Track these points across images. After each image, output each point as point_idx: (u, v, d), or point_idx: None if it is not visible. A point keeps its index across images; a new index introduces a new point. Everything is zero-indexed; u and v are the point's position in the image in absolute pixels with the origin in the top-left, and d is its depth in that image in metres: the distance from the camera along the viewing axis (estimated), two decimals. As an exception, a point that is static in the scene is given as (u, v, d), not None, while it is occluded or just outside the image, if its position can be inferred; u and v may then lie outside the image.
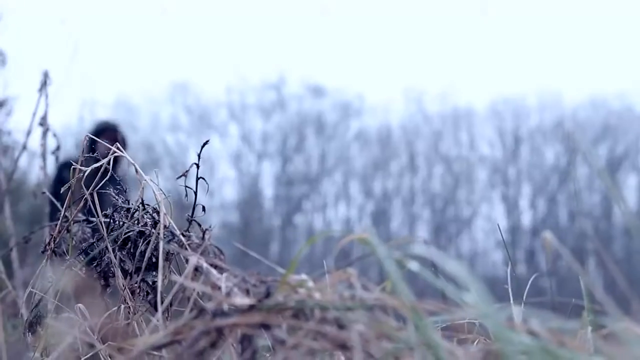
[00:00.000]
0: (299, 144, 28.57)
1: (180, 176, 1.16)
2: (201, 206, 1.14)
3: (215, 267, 0.96)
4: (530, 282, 1.37)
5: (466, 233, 27.75)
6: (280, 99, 28.54)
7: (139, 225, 1.18)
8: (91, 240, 1.30)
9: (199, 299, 0.96)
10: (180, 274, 1.10)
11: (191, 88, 28.27)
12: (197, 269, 0.96)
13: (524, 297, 1.23)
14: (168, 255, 1.08)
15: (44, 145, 2.39)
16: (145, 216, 1.20)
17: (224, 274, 0.91)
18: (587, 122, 27.78)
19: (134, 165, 1.17)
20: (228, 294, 0.86)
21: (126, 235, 1.16)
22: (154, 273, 1.12)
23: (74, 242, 1.33)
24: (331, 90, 29.05)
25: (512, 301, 1.15)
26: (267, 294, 0.82)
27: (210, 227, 1.04)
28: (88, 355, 1.12)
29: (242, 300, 0.82)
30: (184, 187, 1.23)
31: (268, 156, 28.48)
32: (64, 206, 1.34)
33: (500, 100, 28.35)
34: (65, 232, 1.35)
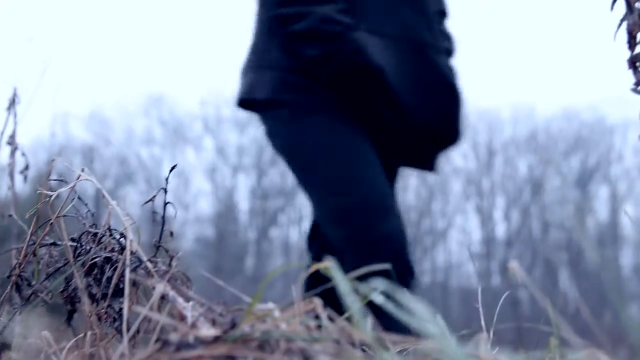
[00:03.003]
0: (274, 157, 28.52)
1: (148, 202, 1.15)
2: (169, 231, 1.13)
3: (182, 295, 0.95)
4: (503, 297, 1.38)
5: (441, 245, 27.88)
6: (256, 112, 28.50)
7: (106, 250, 1.16)
8: (57, 265, 1.29)
9: (165, 328, 0.95)
10: (147, 300, 1.09)
11: (166, 101, 28.15)
12: (163, 297, 0.95)
13: (497, 309, 1.23)
14: (135, 282, 1.07)
15: (12, 165, 2.36)
16: (112, 241, 1.19)
17: (190, 303, 0.90)
18: (559, 134, 28.12)
19: (101, 190, 1.15)
20: (193, 324, 0.85)
21: (93, 261, 1.15)
22: (121, 299, 1.11)
23: (39, 267, 1.31)
24: (306, 103, 29.09)
25: (483, 324, 1.15)
26: (233, 325, 0.81)
27: (178, 253, 1.04)
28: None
29: (207, 331, 0.81)
30: (157, 206, 1.22)
31: (243, 169, 28.43)
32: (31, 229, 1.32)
33: (474, 113, 28.59)
34: (32, 256, 1.33)
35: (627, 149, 27.28)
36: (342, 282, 0.60)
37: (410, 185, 28.73)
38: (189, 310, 0.89)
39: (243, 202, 28.34)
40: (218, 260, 25.28)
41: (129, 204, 1.33)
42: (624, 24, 1.14)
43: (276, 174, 28.47)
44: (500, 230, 28.24)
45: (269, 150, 28.60)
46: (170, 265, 1.03)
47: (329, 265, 0.68)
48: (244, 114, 30.45)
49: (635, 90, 1.12)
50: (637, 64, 1.13)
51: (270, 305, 0.87)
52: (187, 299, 0.93)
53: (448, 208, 28.40)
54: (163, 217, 1.13)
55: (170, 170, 1.12)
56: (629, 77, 1.20)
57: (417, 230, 27.77)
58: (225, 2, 38.48)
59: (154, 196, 1.13)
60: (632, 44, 1.15)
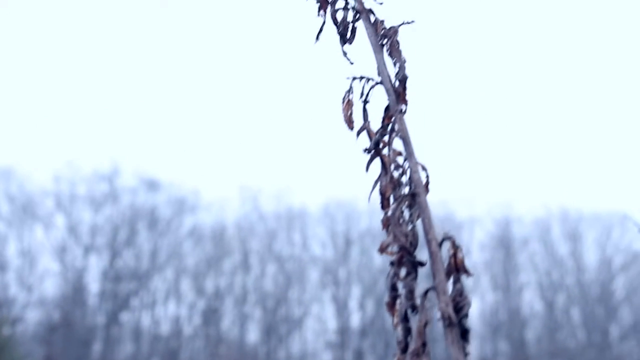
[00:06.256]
0: (129, 238, 27.64)
1: None
2: None
3: None
4: None
5: (297, 333, 27.73)
6: (113, 191, 27.70)
7: None
8: None
9: None
10: None
11: (15, 174, 26.81)
12: None
13: None
14: None
15: None
16: None
17: None
18: (413, 227, 29.19)
19: None
20: None
21: None
22: None
23: None
24: (166, 184, 28.67)
25: None
26: None
27: None
28: None
29: None
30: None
31: (96, 250, 27.25)
32: None
33: (332, 203, 29.23)
34: None
35: (474, 245, 28.77)
36: None
37: (268, 272, 28.64)
38: None
39: (93, 284, 27.05)
40: (63, 346, 23.77)
41: None
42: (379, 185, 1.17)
43: (130, 256, 27.51)
44: (356, 319, 28.55)
45: (124, 231, 27.70)
46: None
47: None
48: (100, 193, 29.42)
49: (382, 251, 1.13)
50: (390, 226, 1.15)
51: None
52: None
53: (305, 296, 28.46)
54: None
55: None
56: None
57: (273, 318, 27.52)
58: (81, 71, 37.66)
59: None
60: (384, 205, 1.17)
